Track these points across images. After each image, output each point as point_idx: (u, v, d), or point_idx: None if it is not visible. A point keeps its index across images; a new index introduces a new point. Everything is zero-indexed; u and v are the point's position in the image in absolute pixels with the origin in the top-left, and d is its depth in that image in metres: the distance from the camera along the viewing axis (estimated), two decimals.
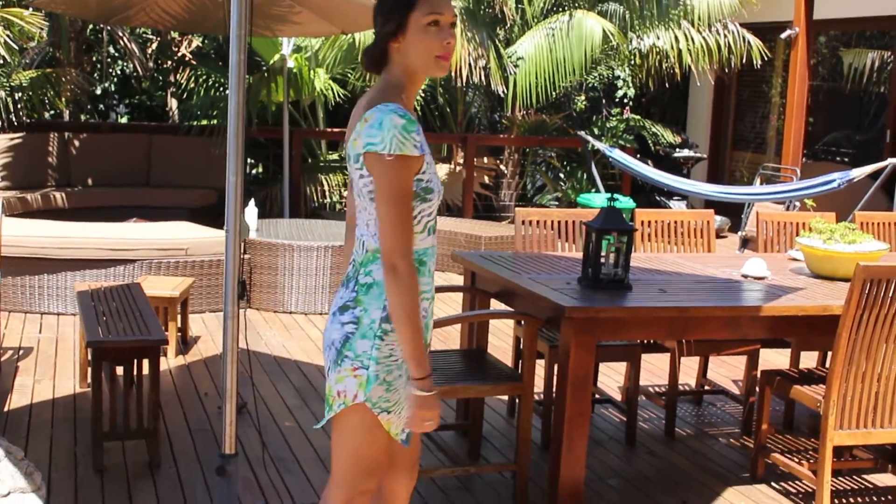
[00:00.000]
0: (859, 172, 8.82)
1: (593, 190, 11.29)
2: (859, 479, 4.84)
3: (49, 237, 7.33)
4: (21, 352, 6.32)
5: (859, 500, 4.64)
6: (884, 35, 11.89)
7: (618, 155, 10.07)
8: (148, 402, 4.63)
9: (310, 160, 12.19)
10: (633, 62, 12.01)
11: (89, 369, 4.71)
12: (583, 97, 13.09)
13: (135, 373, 4.69)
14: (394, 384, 2.73)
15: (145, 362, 4.65)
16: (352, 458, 2.82)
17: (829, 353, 4.40)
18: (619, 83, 13.06)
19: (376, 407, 2.73)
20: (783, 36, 10.59)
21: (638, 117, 13.47)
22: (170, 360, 6.24)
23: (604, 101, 13.54)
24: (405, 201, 2.64)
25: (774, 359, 6.41)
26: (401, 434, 2.83)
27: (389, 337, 2.70)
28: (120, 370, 4.94)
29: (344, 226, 8.72)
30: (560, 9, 10.98)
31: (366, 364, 2.70)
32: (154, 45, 14.70)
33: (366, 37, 10.06)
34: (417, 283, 2.67)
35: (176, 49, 14.23)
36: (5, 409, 5.27)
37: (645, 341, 5.27)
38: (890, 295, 4.02)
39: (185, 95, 12.61)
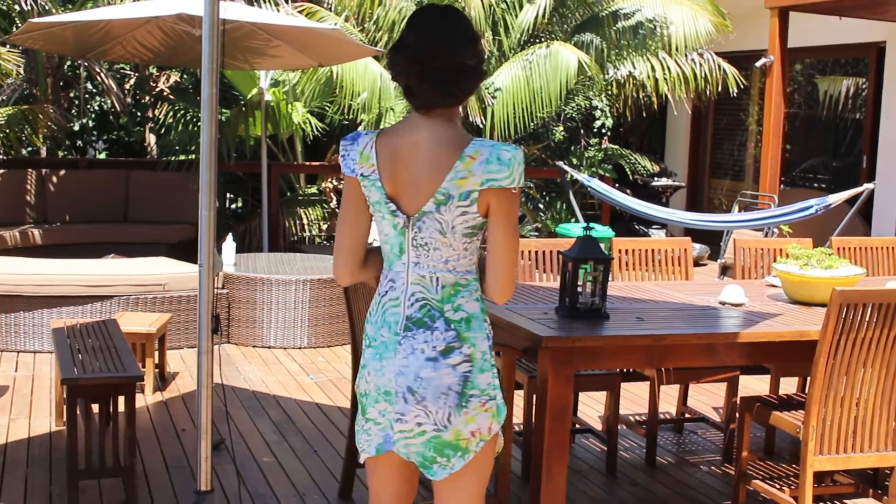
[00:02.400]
0: (836, 198, 8.87)
1: (573, 220, 11.31)
2: None
3: (25, 274, 7.28)
4: None
5: None
6: (858, 62, 11.99)
7: (596, 185, 10.09)
8: (124, 440, 4.58)
9: (288, 193, 12.18)
10: (610, 92, 12.06)
11: (65, 407, 4.67)
12: (561, 128, 13.11)
13: (111, 410, 4.65)
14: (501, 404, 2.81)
15: (121, 399, 4.61)
16: (483, 493, 2.82)
17: (808, 379, 4.39)
18: (597, 113, 13.11)
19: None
20: (758, 64, 10.66)
21: (616, 147, 13.52)
22: (147, 397, 6.18)
23: (582, 131, 13.58)
24: None
25: (754, 385, 6.41)
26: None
27: (496, 361, 2.85)
28: (96, 408, 4.90)
29: (323, 258, 8.64)
30: (537, 40, 11.03)
31: (492, 395, 2.75)
32: (132, 81, 14.69)
33: (343, 70, 10.06)
34: None
35: (154, 84, 14.22)
36: None
37: (624, 370, 5.26)
38: (867, 319, 4.03)
39: (163, 131, 12.59)
